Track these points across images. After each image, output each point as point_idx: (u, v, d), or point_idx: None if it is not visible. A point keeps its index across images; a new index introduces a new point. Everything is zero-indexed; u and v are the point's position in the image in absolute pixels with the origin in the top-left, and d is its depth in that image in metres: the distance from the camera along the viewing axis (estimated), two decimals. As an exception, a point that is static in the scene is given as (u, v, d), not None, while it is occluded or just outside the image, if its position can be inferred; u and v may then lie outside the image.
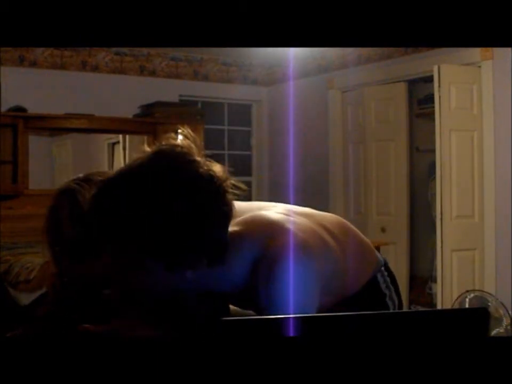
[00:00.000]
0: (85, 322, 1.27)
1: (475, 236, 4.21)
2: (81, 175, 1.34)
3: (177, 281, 1.14)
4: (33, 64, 5.06)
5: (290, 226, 1.21)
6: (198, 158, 1.13)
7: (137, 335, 1.17)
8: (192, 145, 1.15)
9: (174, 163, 1.11)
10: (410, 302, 4.98)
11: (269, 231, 1.20)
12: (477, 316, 0.96)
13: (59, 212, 1.28)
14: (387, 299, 1.48)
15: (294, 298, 1.13)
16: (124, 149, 5.55)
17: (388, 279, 1.49)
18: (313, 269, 1.19)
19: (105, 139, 5.59)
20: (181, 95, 5.79)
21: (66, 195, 1.30)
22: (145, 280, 1.13)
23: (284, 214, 1.28)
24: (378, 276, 1.47)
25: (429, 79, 4.46)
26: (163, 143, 1.14)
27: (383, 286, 1.48)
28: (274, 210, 1.30)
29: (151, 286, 1.14)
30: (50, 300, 1.32)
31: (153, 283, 1.14)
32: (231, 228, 1.19)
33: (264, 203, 1.40)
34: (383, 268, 1.48)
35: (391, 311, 1.50)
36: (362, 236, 1.48)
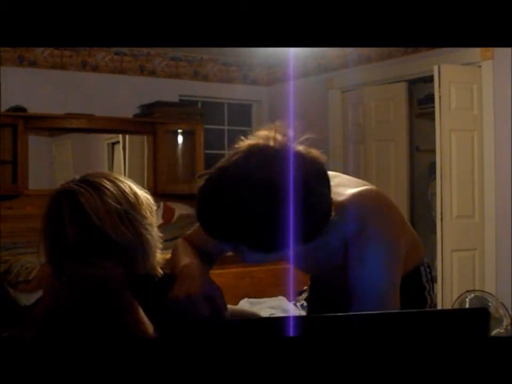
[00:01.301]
0: (88, 323, 1.27)
1: (475, 236, 4.21)
2: (77, 177, 1.33)
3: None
4: (33, 64, 5.05)
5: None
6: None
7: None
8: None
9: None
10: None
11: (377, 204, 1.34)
12: (477, 316, 0.97)
13: (61, 213, 1.27)
14: (426, 293, 1.54)
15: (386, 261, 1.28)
16: (124, 148, 5.55)
17: (429, 276, 1.57)
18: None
19: (105, 139, 5.58)
20: (180, 95, 5.78)
21: (66, 195, 1.29)
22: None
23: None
24: (421, 268, 1.54)
25: (429, 79, 4.46)
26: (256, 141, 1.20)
27: (424, 279, 1.55)
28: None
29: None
30: (46, 301, 1.32)
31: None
32: (341, 197, 1.31)
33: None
34: (426, 265, 1.56)
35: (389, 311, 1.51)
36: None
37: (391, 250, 1.31)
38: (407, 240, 1.42)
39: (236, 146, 1.20)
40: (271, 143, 1.18)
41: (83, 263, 1.26)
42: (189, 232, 1.56)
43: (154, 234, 1.34)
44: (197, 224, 1.47)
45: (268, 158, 1.15)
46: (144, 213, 1.32)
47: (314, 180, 1.17)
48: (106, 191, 1.29)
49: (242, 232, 1.14)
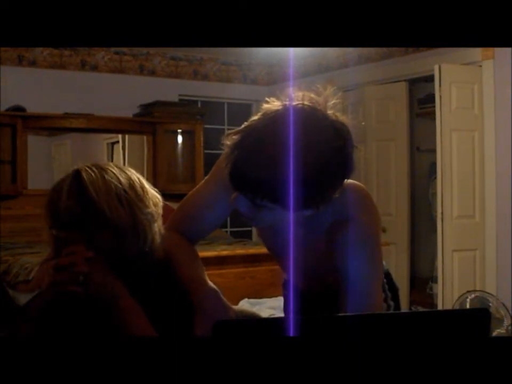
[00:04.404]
0: (93, 322, 1.27)
1: (476, 236, 4.21)
2: (89, 163, 1.35)
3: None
4: (32, 63, 5.05)
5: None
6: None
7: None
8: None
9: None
10: (411, 303, 4.96)
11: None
12: (477, 317, 0.96)
13: (61, 186, 1.29)
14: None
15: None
16: (123, 148, 5.55)
17: (386, 286, 1.61)
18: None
19: (104, 139, 5.58)
20: (180, 95, 5.78)
21: (72, 173, 1.31)
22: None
23: None
24: None
25: (430, 79, 4.46)
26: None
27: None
28: None
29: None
30: (43, 299, 1.31)
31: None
32: None
33: None
34: (382, 275, 1.57)
35: (390, 312, 1.52)
36: None
37: (377, 241, 1.37)
38: None
39: (265, 107, 1.23)
40: (303, 104, 1.22)
41: (73, 235, 1.26)
42: (173, 219, 1.55)
43: (154, 226, 1.34)
44: (182, 205, 1.54)
45: (301, 119, 1.19)
46: (146, 202, 1.32)
47: (343, 142, 1.21)
48: (110, 172, 1.31)
49: (276, 187, 1.17)
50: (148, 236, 1.32)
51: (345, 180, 1.25)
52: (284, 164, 1.15)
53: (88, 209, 1.26)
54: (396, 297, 1.64)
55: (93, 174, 1.29)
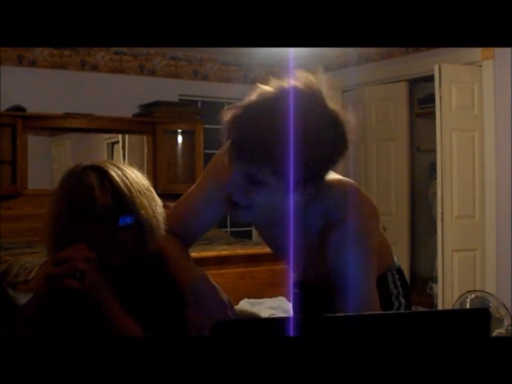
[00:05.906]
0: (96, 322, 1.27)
1: (476, 236, 4.21)
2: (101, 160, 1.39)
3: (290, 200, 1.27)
4: (32, 63, 5.04)
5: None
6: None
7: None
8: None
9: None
10: (411, 303, 4.96)
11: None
12: (477, 317, 0.96)
13: (90, 182, 1.31)
14: (393, 298, 1.53)
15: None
16: (123, 148, 5.54)
17: (399, 282, 1.60)
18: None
19: (104, 139, 5.58)
20: (180, 95, 5.78)
21: (93, 169, 1.34)
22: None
23: None
24: (388, 274, 1.57)
25: (430, 79, 4.46)
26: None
27: (391, 285, 1.58)
28: None
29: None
30: (42, 299, 1.31)
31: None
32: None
33: None
34: (395, 271, 1.60)
35: (393, 311, 1.52)
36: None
37: (369, 237, 1.36)
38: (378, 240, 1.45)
39: (260, 87, 1.27)
40: (305, 86, 1.27)
41: (104, 229, 1.30)
42: (166, 221, 1.56)
43: (161, 222, 1.39)
44: (175, 208, 1.54)
45: (304, 98, 1.24)
46: (157, 197, 1.39)
47: (334, 125, 1.26)
48: (129, 171, 1.37)
49: (278, 158, 1.19)
50: (159, 229, 1.36)
51: (338, 160, 1.31)
52: (285, 135, 1.17)
53: (121, 206, 1.30)
54: (407, 295, 1.62)
55: (119, 172, 1.34)
